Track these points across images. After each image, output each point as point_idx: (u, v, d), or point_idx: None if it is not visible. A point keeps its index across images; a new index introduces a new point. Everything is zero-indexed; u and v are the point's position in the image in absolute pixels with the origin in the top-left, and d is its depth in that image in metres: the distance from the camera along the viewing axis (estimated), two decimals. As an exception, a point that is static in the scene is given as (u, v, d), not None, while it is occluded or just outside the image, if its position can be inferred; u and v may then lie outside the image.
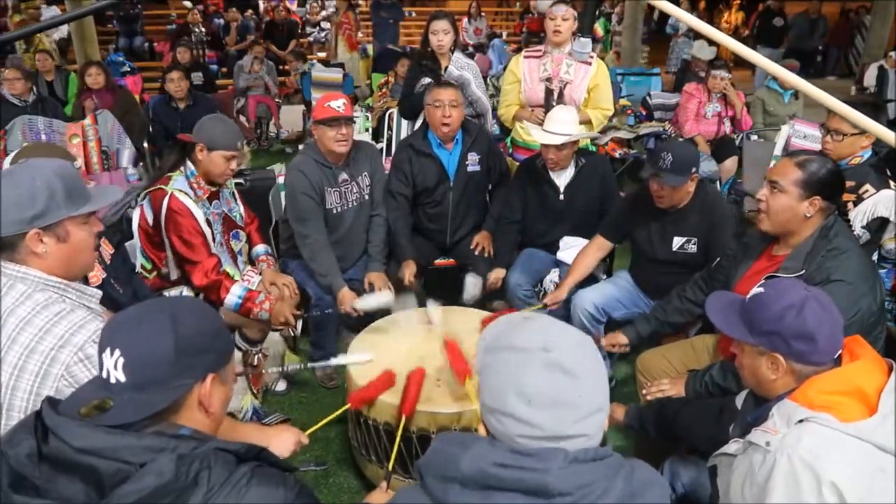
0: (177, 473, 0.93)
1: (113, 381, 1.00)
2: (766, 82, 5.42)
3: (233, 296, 2.44)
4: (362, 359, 2.27)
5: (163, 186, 2.43)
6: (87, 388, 1.05)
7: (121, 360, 0.99)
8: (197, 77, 7.05)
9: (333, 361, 2.38)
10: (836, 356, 1.31)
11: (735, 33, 12.19)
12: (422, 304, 2.66)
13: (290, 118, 7.77)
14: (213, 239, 2.54)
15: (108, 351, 1.01)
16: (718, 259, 2.25)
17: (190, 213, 2.42)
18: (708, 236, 2.53)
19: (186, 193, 2.43)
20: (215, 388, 1.09)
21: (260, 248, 2.89)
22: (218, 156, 2.45)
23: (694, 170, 2.45)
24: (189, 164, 2.49)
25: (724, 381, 1.89)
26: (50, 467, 0.93)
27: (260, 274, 2.80)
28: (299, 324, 3.02)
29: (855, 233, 2.47)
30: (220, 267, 2.46)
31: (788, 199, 1.84)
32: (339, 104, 2.73)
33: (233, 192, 2.75)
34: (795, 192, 1.83)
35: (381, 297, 2.63)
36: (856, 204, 2.50)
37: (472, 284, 2.70)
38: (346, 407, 2.07)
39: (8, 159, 2.06)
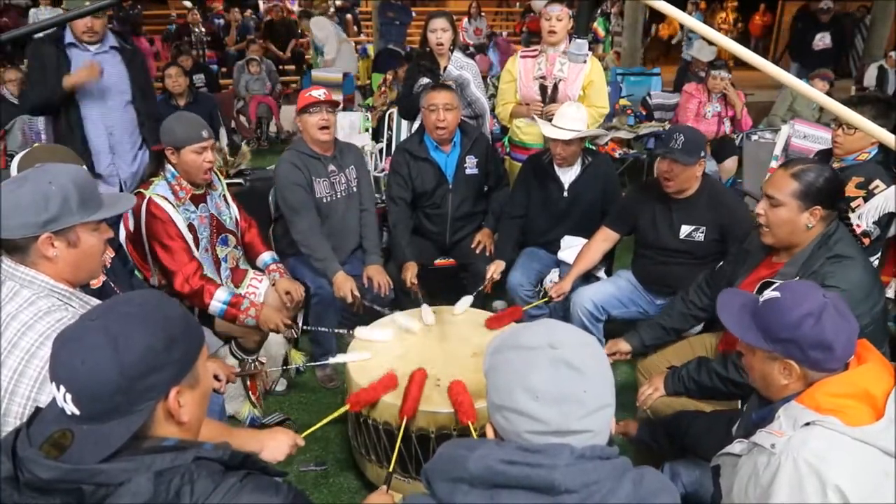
0: (155, 492, 0.90)
1: (69, 412, 0.94)
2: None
3: (217, 301, 2.38)
4: (360, 357, 2.27)
5: (142, 191, 2.39)
6: (50, 411, 0.99)
7: (68, 395, 0.93)
8: (199, 79, 7.06)
9: (331, 360, 2.38)
10: (847, 361, 1.30)
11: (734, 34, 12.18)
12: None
13: (291, 118, 7.78)
14: (198, 244, 2.49)
15: (54, 384, 0.95)
16: (721, 263, 2.24)
17: (169, 217, 2.37)
18: (726, 226, 2.53)
19: (166, 198, 2.38)
20: (184, 397, 1.01)
21: (267, 257, 2.81)
22: (187, 153, 2.38)
23: (702, 154, 2.49)
24: (169, 167, 2.44)
25: (699, 376, 1.90)
26: (30, 490, 0.92)
27: (273, 283, 2.73)
28: (300, 320, 3.02)
29: (866, 228, 2.47)
30: (201, 272, 2.40)
31: (788, 212, 1.80)
32: (319, 92, 2.82)
33: (223, 195, 2.68)
34: (794, 205, 1.79)
35: (383, 333, 2.45)
36: (866, 199, 2.49)
37: (462, 303, 2.69)
38: (344, 408, 2.06)
39: (15, 161, 2.05)
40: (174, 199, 2.41)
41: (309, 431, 1.86)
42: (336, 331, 2.74)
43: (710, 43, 6.27)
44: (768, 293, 1.37)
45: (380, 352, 2.31)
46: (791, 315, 1.28)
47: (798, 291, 1.33)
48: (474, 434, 1.89)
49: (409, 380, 2.02)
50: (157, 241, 2.37)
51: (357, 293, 2.78)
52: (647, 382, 2.06)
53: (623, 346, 2.32)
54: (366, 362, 2.25)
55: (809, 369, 1.28)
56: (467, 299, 2.70)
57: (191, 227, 2.46)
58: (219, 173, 2.73)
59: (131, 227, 2.44)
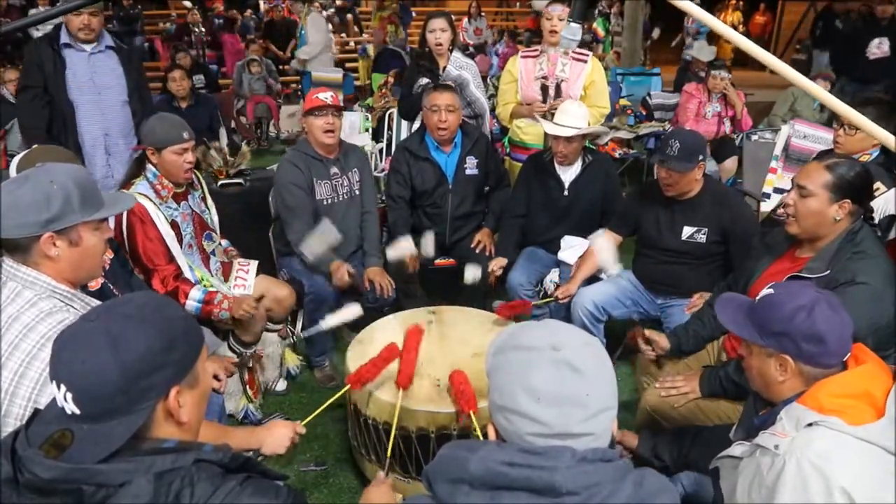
0: (155, 494, 0.90)
1: (69, 412, 0.94)
2: None
3: (192, 301, 2.41)
4: (353, 315, 2.31)
5: (124, 191, 2.40)
6: (50, 411, 0.99)
7: (69, 395, 0.93)
8: (199, 80, 7.05)
9: (323, 325, 2.41)
10: (844, 359, 1.31)
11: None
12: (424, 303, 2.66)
13: (290, 118, 7.78)
14: (182, 240, 2.50)
15: (55, 383, 0.95)
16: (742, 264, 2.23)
17: (150, 217, 2.38)
18: (728, 227, 2.53)
19: (147, 196, 2.40)
20: (184, 397, 1.01)
21: (224, 242, 2.88)
22: (168, 154, 2.41)
23: (701, 157, 2.49)
24: (150, 167, 2.46)
25: (740, 378, 1.87)
26: (29, 491, 0.92)
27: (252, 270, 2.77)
28: (299, 324, 3.02)
29: None
30: (177, 274, 2.42)
31: (817, 203, 1.82)
32: (326, 95, 2.84)
33: (203, 196, 2.70)
34: (825, 196, 1.80)
35: (348, 312, 2.49)
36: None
37: (471, 271, 2.71)
38: (345, 389, 2.04)
39: (15, 161, 2.06)
40: (156, 198, 2.43)
41: (310, 418, 1.84)
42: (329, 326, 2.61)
43: (712, 43, 6.28)
44: (763, 292, 1.39)
45: (379, 344, 2.30)
46: (784, 309, 1.31)
47: (791, 288, 1.37)
48: (476, 426, 1.88)
49: (405, 341, 2.06)
50: (137, 242, 2.39)
51: (353, 270, 2.80)
52: (683, 379, 2.04)
53: (664, 342, 2.24)
54: (365, 351, 2.24)
55: (804, 364, 1.30)
56: (475, 269, 2.71)
57: (174, 225, 2.47)
58: (199, 175, 2.73)
59: (112, 226, 2.42)
